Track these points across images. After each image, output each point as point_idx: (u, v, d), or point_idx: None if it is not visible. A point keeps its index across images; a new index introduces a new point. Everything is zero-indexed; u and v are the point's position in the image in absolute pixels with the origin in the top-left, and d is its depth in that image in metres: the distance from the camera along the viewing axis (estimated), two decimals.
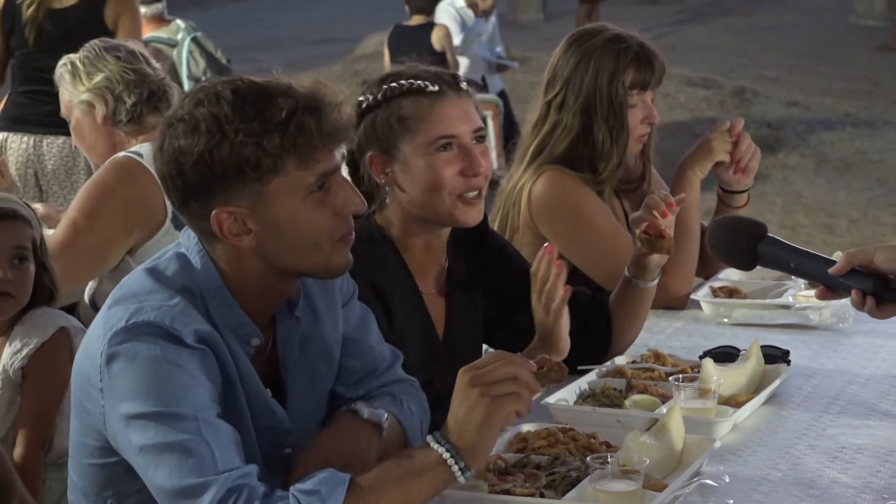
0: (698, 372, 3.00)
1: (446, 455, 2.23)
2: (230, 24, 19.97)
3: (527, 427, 2.73)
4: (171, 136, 2.36)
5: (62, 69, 4.04)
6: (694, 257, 3.86)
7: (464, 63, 11.01)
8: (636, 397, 2.96)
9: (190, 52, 10.99)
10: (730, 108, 13.85)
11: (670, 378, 2.97)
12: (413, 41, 10.26)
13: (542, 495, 2.44)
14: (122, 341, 2.31)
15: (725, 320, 3.72)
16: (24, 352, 3.36)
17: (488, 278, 3.18)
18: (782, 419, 2.96)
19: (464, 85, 2.99)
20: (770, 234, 2.53)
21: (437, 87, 2.93)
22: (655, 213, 3.08)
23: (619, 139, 3.75)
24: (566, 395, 2.99)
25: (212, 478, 2.21)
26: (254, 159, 2.33)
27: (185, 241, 2.47)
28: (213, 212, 2.36)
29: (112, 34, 5.50)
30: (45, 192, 5.73)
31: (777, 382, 3.06)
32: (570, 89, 3.76)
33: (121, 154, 3.87)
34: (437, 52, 10.39)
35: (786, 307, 3.72)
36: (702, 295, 3.81)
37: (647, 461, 2.47)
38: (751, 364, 3.08)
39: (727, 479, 2.56)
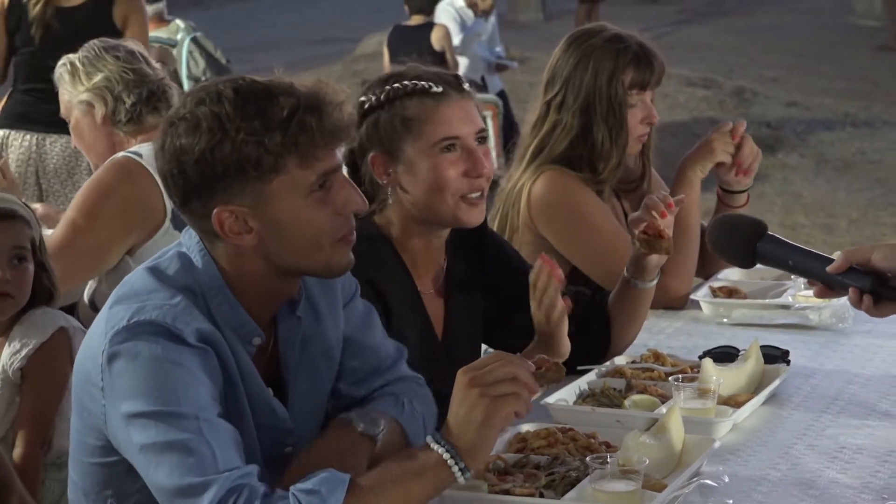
0: (698, 372, 3.00)
1: (446, 456, 2.24)
2: (230, 24, 19.98)
3: (526, 427, 2.73)
4: (173, 134, 2.36)
5: (61, 69, 4.05)
6: (694, 257, 3.86)
7: (463, 63, 11.01)
8: (636, 397, 2.96)
9: (189, 53, 10.99)
10: (729, 109, 13.85)
11: (670, 378, 2.97)
12: (412, 41, 10.27)
13: (541, 495, 2.44)
14: (123, 340, 2.31)
15: (725, 320, 3.72)
16: (24, 352, 3.36)
17: (487, 278, 3.18)
18: (782, 419, 2.96)
19: (466, 86, 3.00)
20: (770, 233, 2.53)
21: (440, 89, 2.94)
22: (654, 213, 3.08)
23: (618, 139, 3.75)
24: (566, 395, 2.99)
25: (212, 477, 2.21)
26: (255, 158, 2.33)
27: (187, 240, 2.47)
28: (215, 210, 2.36)
29: (120, 34, 5.49)
30: (45, 191, 5.72)
31: (776, 382, 3.06)
32: (570, 89, 3.76)
33: (120, 154, 3.87)
34: (437, 52, 10.39)
35: (785, 307, 3.72)
36: (701, 295, 3.81)
37: (647, 461, 2.47)
38: (750, 364, 3.08)
39: (727, 479, 2.56)
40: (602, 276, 3.65)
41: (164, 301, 2.35)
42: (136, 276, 2.43)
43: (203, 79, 9.68)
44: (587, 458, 2.50)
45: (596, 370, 3.14)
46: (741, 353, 3.15)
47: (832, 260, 2.44)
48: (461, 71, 10.49)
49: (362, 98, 2.99)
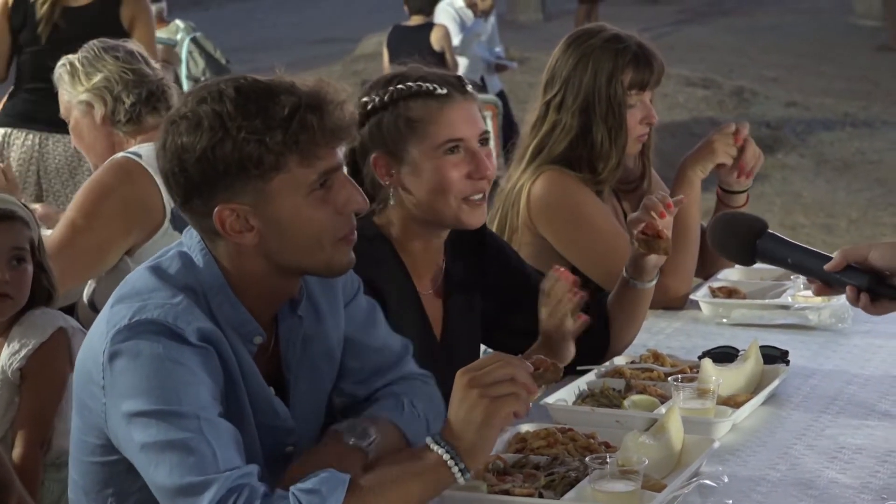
0: (697, 372, 3.00)
1: (446, 456, 2.24)
2: (230, 24, 19.98)
3: (526, 427, 2.73)
4: (174, 133, 2.37)
5: (61, 69, 4.05)
6: (693, 258, 3.85)
7: (463, 63, 11.01)
8: (635, 397, 2.96)
9: (189, 53, 11.00)
10: (729, 109, 13.86)
11: (669, 378, 2.97)
12: (412, 41, 10.26)
13: (540, 495, 2.44)
14: (125, 339, 2.31)
15: (724, 320, 3.72)
16: (23, 353, 3.36)
17: (486, 279, 3.18)
18: (781, 419, 2.96)
19: (469, 88, 3.00)
20: (770, 231, 2.54)
21: (445, 91, 2.94)
22: (653, 213, 3.08)
23: (617, 139, 3.75)
24: (565, 395, 2.99)
25: (213, 476, 2.21)
26: (256, 156, 2.33)
27: (188, 240, 2.47)
28: (216, 209, 2.36)
29: (127, 34, 5.49)
30: (45, 191, 5.72)
31: (776, 383, 3.06)
32: (569, 89, 3.76)
33: (119, 154, 3.87)
34: (437, 53, 10.39)
35: (785, 307, 3.72)
36: (701, 295, 3.81)
37: (646, 461, 2.46)
38: (750, 364, 3.08)
39: (726, 480, 2.56)
40: (601, 277, 3.65)
41: (166, 300, 2.36)
42: (138, 276, 2.44)
43: (202, 79, 9.69)
44: (586, 459, 2.50)
45: (595, 370, 3.14)
46: (740, 353, 3.15)
47: (830, 258, 2.45)
48: (461, 71, 10.49)
49: (365, 98, 2.98)
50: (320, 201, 2.39)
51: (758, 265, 3.67)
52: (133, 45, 4.12)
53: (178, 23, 11.18)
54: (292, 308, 2.52)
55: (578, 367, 3.11)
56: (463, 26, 11.35)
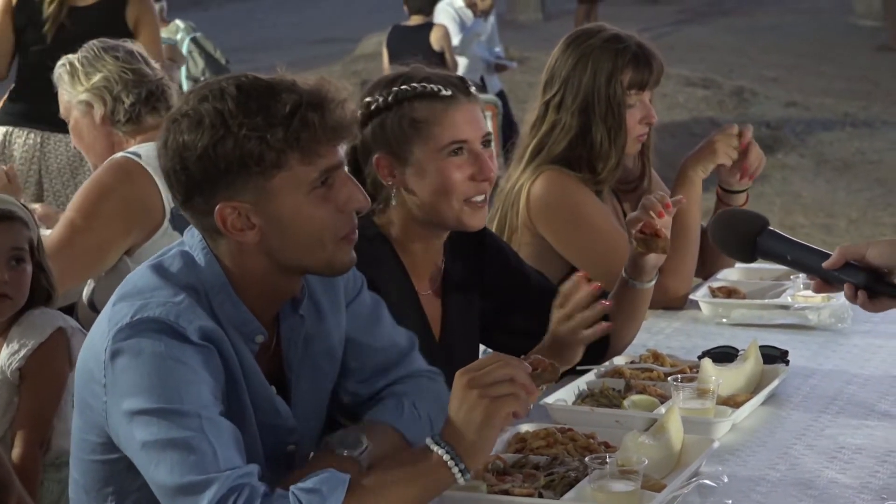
0: (697, 372, 3.00)
1: (446, 457, 2.24)
2: (229, 24, 19.98)
3: (525, 427, 2.73)
4: (176, 131, 2.37)
5: (61, 69, 4.05)
6: (693, 258, 3.85)
7: (462, 63, 11.01)
8: (635, 397, 2.96)
9: (189, 53, 11.01)
10: (728, 109, 13.86)
11: (669, 378, 2.97)
12: (412, 41, 10.26)
13: (540, 495, 2.44)
14: (126, 337, 2.31)
15: (724, 320, 3.72)
16: (22, 353, 3.36)
17: (486, 279, 3.18)
18: (781, 419, 2.95)
19: (473, 89, 3.01)
20: (770, 228, 2.55)
21: (449, 92, 2.94)
22: (652, 213, 3.08)
23: (617, 139, 3.75)
24: (565, 395, 2.99)
25: (213, 475, 2.21)
26: (257, 153, 2.33)
27: (189, 239, 2.47)
28: (217, 207, 2.36)
29: (132, 35, 5.49)
30: (45, 190, 5.72)
31: (776, 383, 3.06)
32: (569, 89, 3.76)
33: (119, 154, 3.88)
34: (436, 53, 10.38)
35: (784, 307, 3.72)
36: (700, 295, 3.81)
37: (646, 461, 2.46)
38: (749, 364, 3.08)
39: (726, 480, 2.56)
40: (601, 277, 3.63)
41: (168, 298, 2.36)
42: (140, 274, 2.44)
43: (202, 79, 9.68)
44: (586, 459, 2.50)
45: (595, 370, 3.14)
46: (740, 353, 3.15)
47: (830, 255, 2.46)
48: (460, 71, 10.49)
49: (368, 99, 2.98)
50: (321, 199, 2.39)
51: (757, 265, 3.68)
52: (133, 44, 4.12)
53: (178, 23, 11.19)
54: (294, 307, 2.52)
55: (578, 367, 3.11)
56: (462, 26, 11.35)
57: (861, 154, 12.44)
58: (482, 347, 3.28)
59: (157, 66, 4.10)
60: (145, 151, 3.82)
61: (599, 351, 3.24)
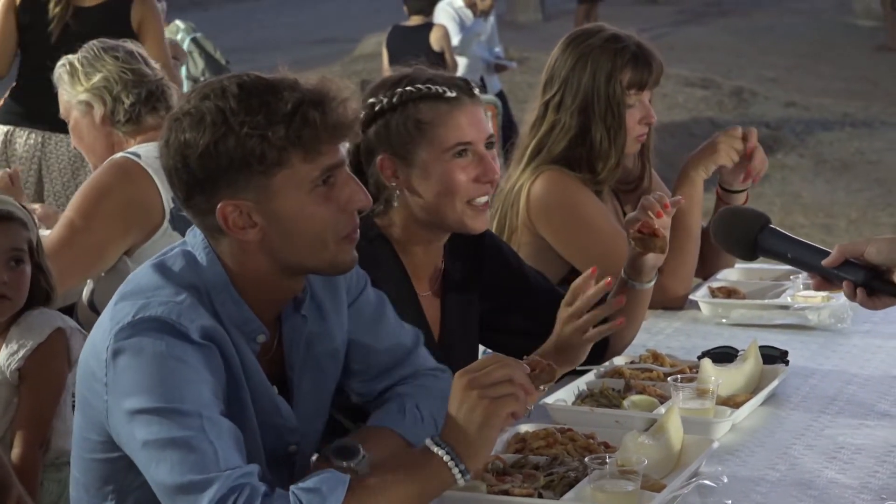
0: (697, 372, 3.00)
1: (446, 457, 2.24)
2: (229, 24, 19.98)
3: (525, 427, 2.73)
4: (177, 129, 2.37)
5: (61, 70, 4.05)
6: (694, 258, 3.85)
7: (462, 63, 11.00)
8: (634, 398, 2.96)
9: (189, 53, 11.00)
10: (728, 109, 13.85)
11: (669, 378, 2.97)
12: (411, 42, 10.26)
13: (540, 496, 2.44)
14: (128, 336, 2.31)
15: (724, 321, 3.72)
16: (21, 353, 3.36)
17: (485, 279, 3.18)
18: (780, 419, 2.95)
19: (476, 91, 3.01)
20: (772, 226, 2.55)
21: (454, 94, 2.95)
22: (650, 213, 3.08)
23: (616, 139, 3.75)
24: (564, 395, 2.99)
25: (214, 475, 2.21)
26: (259, 151, 2.33)
27: (191, 239, 2.47)
28: (219, 205, 2.36)
29: (136, 35, 5.49)
30: (46, 190, 5.72)
31: (775, 383, 3.06)
32: (568, 89, 3.76)
33: (118, 155, 3.88)
34: (436, 53, 10.38)
35: (784, 307, 3.72)
36: (700, 295, 3.81)
37: (646, 461, 2.46)
38: (749, 364, 3.08)
39: (725, 480, 2.56)
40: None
41: (170, 298, 2.36)
42: (142, 273, 2.44)
43: (202, 79, 9.68)
44: (586, 459, 2.50)
45: (595, 370, 3.14)
46: (740, 353, 3.15)
47: (830, 253, 2.46)
48: (460, 71, 10.49)
49: (372, 100, 2.98)
50: (323, 198, 2.39)
51: (757, 265, 3.68)
52: (133, 45, 4.12)
53: (179, 23, 11.18)
54: (296, 307, 2.52)
55: (578, 367, 3.11)
56: (462, 26, 11.35)
57: (860, 154, 12.44)
58: (481, 348, 3.28)
59: (157, 66, 4.10)
60: (145, 152, 3.83)
61: (599, 351, 3.24)
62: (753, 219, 2.57)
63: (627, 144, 3.78)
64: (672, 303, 3.81)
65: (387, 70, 10.28)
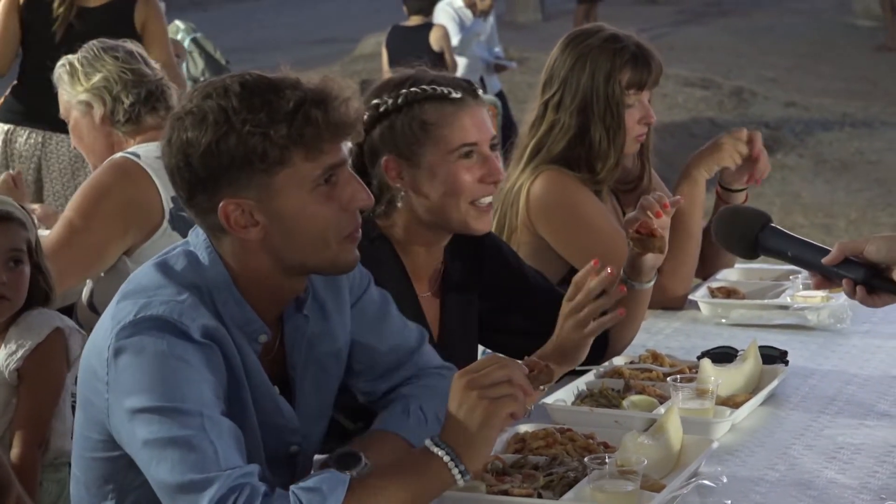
0: (696, 372, 3.00)
1: (446, 458, 2.24)
2: (229, 24, 19.97)
3: (525, 428, 2.73)
4: (180, 128, 2.37)
5: (60, 70, 4.05)
6: (694, 258, 3.85)
7: (462, 63, 11.00)
8: (634, 398, 2.96)
9: (189, 53, 10.99)
10: (728, 109, 13.85)
11: (668, 378, 2.97)
12: (411, 42, 10.26)
13: (539, 496, 2.44)
14: (129, 335, 2.32)
15: (723, 321, 3.72)
16: (20, 353, 3.36)
17: (484, 279, 3.18)
18: (780, 419, 2.95)
19: (480, 92, 3.01)
20: (772, 224, 2.55)
21: (459, 95, 2.95)
22: (649, 213, 3.08)
23: (615, 139, 3.75)
24: (564, 395, 2.98)
25: (214, 474, 2.21)
26: (261, 150, 2.34)
27: (193, 238, 2.48)
28: (221, 204, 2.36)
29: (139, 36, 5.49)
30: (45, 190, 5.72)
31: (775, 383, 3.06)
32: (567, 89, 3.76)
33: (118, 155, 3.88)
34: (436, 53, 10.38)
35: (784, 308, 3.72)
36: (700, 295, 3.81)
37: (645, 462, 2.47)
38: (749, 364, 3.08)
39: (725, 480, 2.56)
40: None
41: (171, 297, 2.36)
42: (144, 272, 2.44)
43: (202, 79, 9.68)
44: (585, 459, 2.50)
45: (594, 371, 3.14)
46: (739, 353, 3.15)
47: (830, 251, 2.47)
48: (460, 71, 10.49)
49: (376, 101, 2.97)
50: (325, 197, 2.39)
51: (757, 265, 3.68)
52: (132, 45, 4.12)
53: (178, 23, 11.18)
54: (298, 307, 2.52)
55: (577, 367, 3.11)
56: (462, 26, 11.35)
57: (860, 154, 12.44)
58: (481, 348, 3.28)
59: (157, 66, 4.10)
60: (144, 152, 3.83)
61: (599, 351, 3.24)
62: (754, 217, 2.58)
63: (627, 144, 3.78)
64: (672, 303, 3.81)
65: (386, 70, 10.29)
